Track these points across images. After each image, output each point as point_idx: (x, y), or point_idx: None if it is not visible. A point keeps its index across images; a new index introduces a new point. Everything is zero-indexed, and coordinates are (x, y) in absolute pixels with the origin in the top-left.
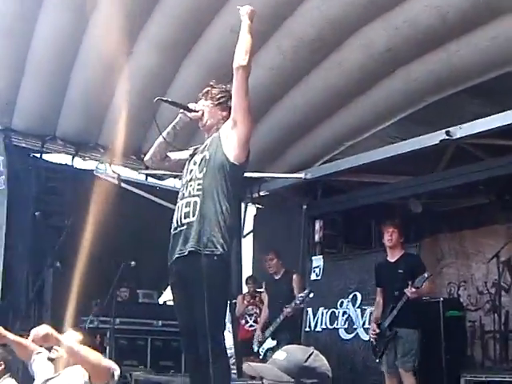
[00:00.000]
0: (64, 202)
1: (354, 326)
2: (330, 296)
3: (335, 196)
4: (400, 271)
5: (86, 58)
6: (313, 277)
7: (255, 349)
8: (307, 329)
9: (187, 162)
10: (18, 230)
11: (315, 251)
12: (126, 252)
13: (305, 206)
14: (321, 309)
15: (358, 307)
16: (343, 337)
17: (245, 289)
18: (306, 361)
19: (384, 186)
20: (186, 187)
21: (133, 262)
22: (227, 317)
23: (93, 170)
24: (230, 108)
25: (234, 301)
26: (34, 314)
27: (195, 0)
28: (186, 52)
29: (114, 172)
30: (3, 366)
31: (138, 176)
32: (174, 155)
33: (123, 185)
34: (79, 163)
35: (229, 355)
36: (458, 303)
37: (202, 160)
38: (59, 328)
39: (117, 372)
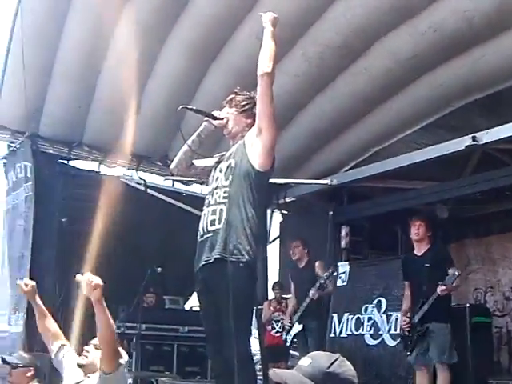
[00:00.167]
0: (91, 208)
1: (380, 332)
2: (355, 302)
3: (361, 202)
4: (427, 265)
5: (112, 64)
6: (339, 283)
7: (283, 337)
8: (332, 335)
9: (213, 170)
10: (44, 237)
11: (341, 257)
12: (153, 258)
13: (331, 212)
14: (346, 314)
15: (384, 313)
16: (369, 343)
17: (271, 295)
18: (329, 367)
19: (410, 192)
20: (212, 195)
21: (159, 268)
22: (253, 323)
23: (119, 177)
24: (255, 115)
25: (260, 307)
26: (60, 320)
27: (221, 6)
28: (212, 59)
29: (140, 178)
30: (32, 372)
31: (165, 182)
32: (200, 162)
33: (149, 191)
34: (106, 170)
35: (255, 361)
36: (484, 309)
37: (227, 168)
38: (86, 334)
39: (123, 359)
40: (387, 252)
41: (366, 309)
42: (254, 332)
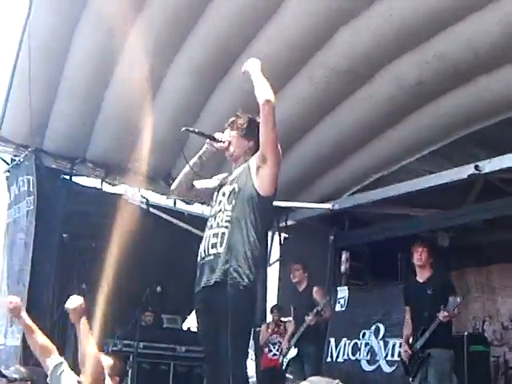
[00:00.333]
0: (92, 224)
1: (377, 358)
2: (353, 327)
3: (362, 228)
4: (429, 292)
5: (119, 82)
6: (337, 308)
7: (280, 359)
8: (329, 359)
9: (216, 192)
10: (45, 251)
11: (341, 282)
12: (152, 276)
13: (332, 237)
14: (343, 339)
15: (381, 339)
16: (365, 368)
17: (269, 317)
18: None
19: (412, 219)
20: (215, 218)
21: (158, 288)
22: (251, 345)
23: (122, 194)
24: (257, 138)
25: (258, 329)
26: (57, 335)
27: (227, 28)
28: (220, 78)
29: (142, 197)
30: None
31: (167, 201)
32: (201, 183)
33: (151, 210)
34: (108, 187)
35: None
36: (482, 338)
37: (231, 192)
38: None
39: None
40: (387, 278)
41: (364, 334)
42: (251, 354)
